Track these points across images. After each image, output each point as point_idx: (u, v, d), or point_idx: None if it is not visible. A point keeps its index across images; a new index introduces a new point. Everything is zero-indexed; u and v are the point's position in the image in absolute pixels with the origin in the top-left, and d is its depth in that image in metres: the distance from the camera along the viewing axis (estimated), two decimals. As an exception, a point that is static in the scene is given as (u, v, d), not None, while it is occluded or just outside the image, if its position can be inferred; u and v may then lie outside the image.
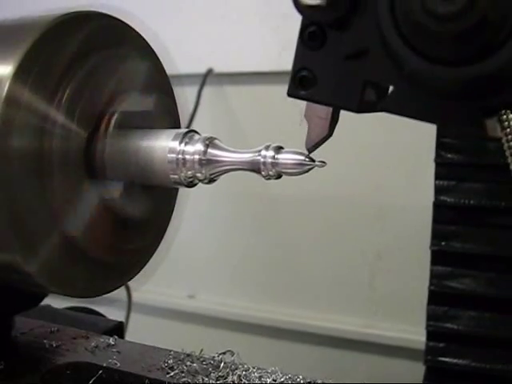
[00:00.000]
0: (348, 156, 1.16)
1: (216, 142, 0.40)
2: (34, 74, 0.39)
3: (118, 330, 0.58)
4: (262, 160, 0.37)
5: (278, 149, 0.38)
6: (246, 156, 0.39)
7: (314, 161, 0.37)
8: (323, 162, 0.36)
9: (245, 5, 1.25)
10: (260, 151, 0.38)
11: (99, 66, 0.42)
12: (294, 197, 1.26)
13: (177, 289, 1.42)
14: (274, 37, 1.21)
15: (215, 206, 1.35)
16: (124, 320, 1.14)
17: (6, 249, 0.39)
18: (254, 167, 0.38)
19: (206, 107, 1.26)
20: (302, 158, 0.37)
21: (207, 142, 0.40)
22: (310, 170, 0.37)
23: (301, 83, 0.35)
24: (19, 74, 0.38)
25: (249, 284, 1.38)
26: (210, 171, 0.40)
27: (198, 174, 0.40)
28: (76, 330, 0.53)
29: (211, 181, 0.41)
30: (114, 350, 0.50)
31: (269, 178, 0.38)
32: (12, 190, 0.38)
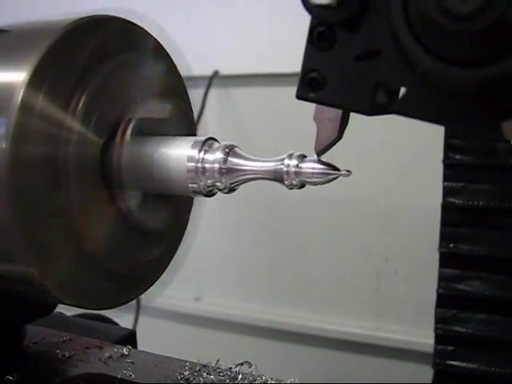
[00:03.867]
0: (354, 159, 1.15)
1: (236, 150, 0.39)
2: (49, 80, 0.38)
3: (131, 338, 0.57)
4: (285, 169, 0.36)
5: (302, 157, 0.37)
6: (268, 165, 0.38)
7: (338, 170, 0.36)
8: (348, 171, 0.35)
9: (251, 7, 1.24)
10: (283, 160, 0.37)
11: (115, 72, 0.41)
12: (300, 200, 1.25)
13: (183, 291, 1.42)
14: (279, 39, 1.20)
15: (222, 209, 1.34)
16: (132, 323, 1.13)
17: (21, 260, 0.38)
18: (277, 176, 0.37)
19: (212, 109, 1.26)
20: (327, 166, 0.36)
21: (227, 150, 0.39)
22: (334, 179, 0.36)
23: (310, 85, 0.34)
24: (34, 81, 0.37)
25: (255, 287, 1.37)
26: (230, 180, 0.39)
27: (218, 183, 0.39)
28: (89, 340, 0.52)
29: (231, 190, 0.40)
30: (128, 360, 0.49)
31: (292, 188, 0.37)
32: (26, 200, 0.37)
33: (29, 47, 0.38)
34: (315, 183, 0.36)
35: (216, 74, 1.29)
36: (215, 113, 1.29)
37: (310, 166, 0.36)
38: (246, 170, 0.38)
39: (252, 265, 1.37)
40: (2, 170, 0.36)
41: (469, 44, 0.28)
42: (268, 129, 1.26)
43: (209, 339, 1.41)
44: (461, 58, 0.28)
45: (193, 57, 1.19)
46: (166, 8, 1.29)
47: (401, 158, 1.18)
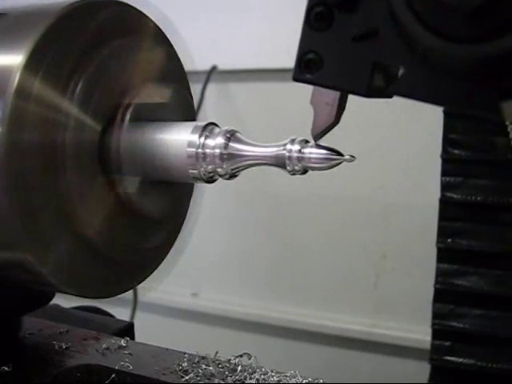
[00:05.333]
0: (352, 155, 1.15)
1: (237, 135, 0.39)
2: (46, 64, 0.37)
3: (129, 330, 0.56)
4: (288, 154, 0.36)
5: (304, 142, 0.36)
6: (270, 150, 0.37)
7: (342, 155, 0.35)
8: (352, 157, 0.35)
9: (249, 2, 1.24)
10: (285, 145, 0.36)
11: (114, 56, 0.40)
12: (298, 196, 1.25)
13: (180, 286, 1.41)
14: (278, 34, 1.20)
15: (220, 203, 1.33)
16: (129, 318, 1.12)
17: (17, 247, 0.37)
18: (279, 162, 0.36)
19: (210, 104, 1.25)
20: (330, 152, 0.35)
21: (228, 135, 0.38)
22: (337, 164, 0.35)
23: (307, 66, 0.33)
24: (30, 64, 0.36)
25: (252, 282, 1.37)
26: (231, 166, 0.38)
27: (219, 169, 0.38)
28: (86, 331, 0.51)
29: (232, 176, 0.39)
30: (126, 351, 0.48)
31: (294, 174, 0.36)
32: (23, 186, 0.36)
33: (25, 30, 0.38)
34: (318, 168, 0.35)
35: (214, 68, 1.28)
36: (213, 108, 1.28)
37: (313, 151, 0.35)
38: (247, 156, 0.38)
39: (250, 260, 1.36)
40: (-3, 155, 0.35)
41: (468, 20, 0.27)
42: (266, 124, 1.25)
43: (206, 335, 1.41)
44: (460, 34, 0.28)
45: (191, 51, 1.19)
46: (164, 4, 1.28)
47: (398, 154, 1.18)
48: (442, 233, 0.84)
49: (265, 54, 1.24)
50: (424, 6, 0.28)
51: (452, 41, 0.28)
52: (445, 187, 0.83)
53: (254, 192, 1.28)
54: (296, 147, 0.36)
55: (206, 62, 1.27)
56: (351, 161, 0.35)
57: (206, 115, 1.21)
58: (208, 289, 1.42)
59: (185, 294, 1.43)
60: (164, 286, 1.38)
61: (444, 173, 0.83)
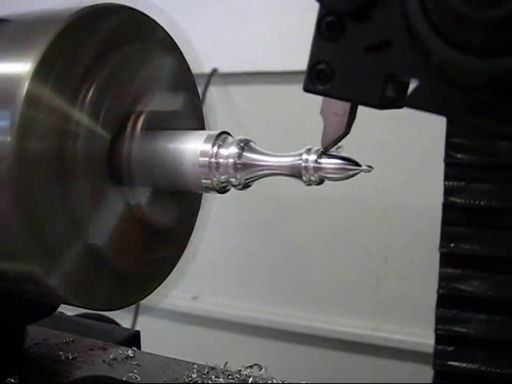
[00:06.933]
0: (354, 157, 1.14)
1: (251, 144, 0.38)
2: (56, 72, 0.36)
3: (135, 339, 0.55)
4: (304, 164, 0.35)
5: (321, 152, 0.35)
6: (286, 160, 0.36)
7: (359, 165, 0.34)
8: (370, 167, 0.34)
9: (250, 5, 1.24)
10: (301, 155, 0.35)
11: (124, 63, 0.40)
12: (299, 199, 1.24)
13: (181, 290, 1.40)
14: (278, 37, 1.19)
15: (220, 207, 1.33)
16: (131, 322, 1.12)
17: (26, 259, 0.37)
18: (295, 172, 0.36)
19: (210, 107, 1.24)
20: (347, 162, 0.34)
21: (242, 145, 0.38)
22: (355, 175, 0.34)
23: (318, 77, 0.32)
24: (40, 72, 0.35)
25: (253, 286, 1.36)
26: (245, 176, 0.37)
27: (232, 179, 0.38)
28: (92, 341, 0.50)
29: (245, 186, 0.38)
30: (134, 362, 0.48)
31: (309, 184, 0.36)
32: (32, 197, 0.35)
33: (34, 37, 0.37)
34: (335, 179, 0.35)
35: (215, 71, 1.28)
36: (214, 110, 1.28)
37: (330, 161, 0.35)
38: (262, 166, 0.37)
39: (250, 263, 1.36)
40: (5, 165, 0.35)
41: (489, 32, 0.26)
42: (267, 126, 1.25)
43: (206, 338, 1.40)
44: (480, 47, 0.27)
45: (192, 54, 1.18)
46: (165, 6, 1.27)
47: (401, 157, 1.18)
48: (444, 237, 0.83)
49: (265, 56, 1.23)
50: (442, 16, 0.28)
51: (470, 53, 0.27)
52: (448, 192, 0.83)
53: (255, 195, 1.27)
54: (312, 157, 0.35)
55: (206, 65, 1.27)
56: (369, 171, 0.34)
57: (206, 118, 1.20)
58: (208, 292, 1.41)
59: (185, 297, 1.42)
60: (164, 289, 1.37)
61: (447, 177, 0.83)
